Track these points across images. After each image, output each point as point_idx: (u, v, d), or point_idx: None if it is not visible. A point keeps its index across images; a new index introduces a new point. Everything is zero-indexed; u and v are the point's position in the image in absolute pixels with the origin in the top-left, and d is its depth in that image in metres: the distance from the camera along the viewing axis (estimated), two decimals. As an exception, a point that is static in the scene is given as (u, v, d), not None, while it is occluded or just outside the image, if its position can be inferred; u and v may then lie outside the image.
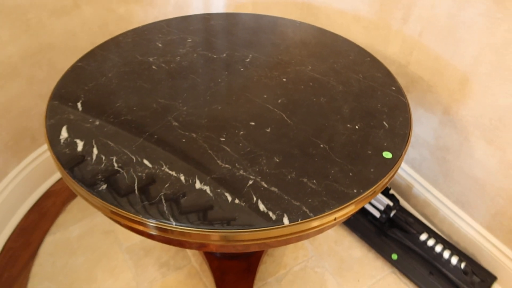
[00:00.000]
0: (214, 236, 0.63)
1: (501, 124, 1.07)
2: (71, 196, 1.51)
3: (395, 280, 1.29)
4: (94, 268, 1.28)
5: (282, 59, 1.01)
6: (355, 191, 0.68)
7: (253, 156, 0.74)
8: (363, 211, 1.40)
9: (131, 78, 0.92)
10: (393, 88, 0.93)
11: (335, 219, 0.67)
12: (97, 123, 0.80)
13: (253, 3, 1.50)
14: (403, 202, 1.49)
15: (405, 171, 1.46)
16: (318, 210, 0.65)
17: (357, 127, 0.81)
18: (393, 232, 1.34)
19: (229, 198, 0.66)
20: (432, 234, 1.32)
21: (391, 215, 1.35)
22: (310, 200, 0.66)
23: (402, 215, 1.37)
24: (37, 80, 1.32)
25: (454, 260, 1.24)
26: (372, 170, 0.72)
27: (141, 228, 0.65)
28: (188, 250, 1.35)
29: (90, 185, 0.68)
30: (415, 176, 1.43)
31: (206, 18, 1.18)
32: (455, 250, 1.28)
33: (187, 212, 0.64)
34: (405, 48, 1.25)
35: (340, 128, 0.81)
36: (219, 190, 0.68)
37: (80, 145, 0.75)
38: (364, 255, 1.35)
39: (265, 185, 0.69)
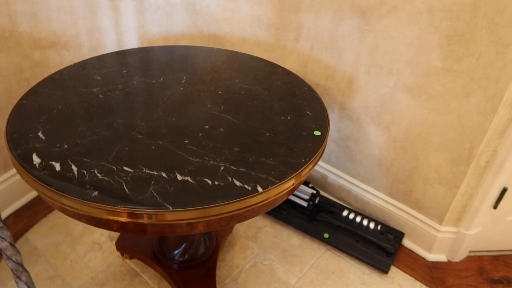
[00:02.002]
0: (205, 212, 0.75)
1: (383, 108, 1.39)
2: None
3: (331, 255, 1.50)
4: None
5: (212, 77, 1.19)
6: (303, 160, 0.88)
7: (217, 150, 0.89)
8: (293, 204, 1.61)
9: (82, 107, 1.00)
10: (306, 88, 1.17)
11: (293, 184, 0.85)
12: (66, 146, 0.87)
13: (164, 39, 1.66)
14: (322, 192, 1.75)
15: (319, 165, 1.72)
16: (281, 177, 0.82)
17: (289, 118, 1.02)
18: (321, 216, 1.57)
19: (209, 182, 0.80)
20: (351, 210, 1.59)
21: (316, 201, 1.59)
22: (272, 172, 0.84)
23: (325, 200, 1.62)
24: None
25: (372, 225, 1.51)
26: (310, 144, 0.93)
27: (139, 220, 0.74)
28: (143, 274, 1.39)
29: (82, 195, 0.75)
30: (327, 167, 1.70)
31: (130, 52, 1.31)
32: (371, 218, 1.56)
33: (179, 197, 0.76)
34: (301, 62, 1.54)
35: (277, 120, 1.01)
36: (199, 178, 0.81)
37: (57, 166, 0.81)
38: (302, 241, 1.55)
39: (234, 168, 0.84)
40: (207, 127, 0.96)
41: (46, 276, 1.36)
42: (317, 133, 0.97)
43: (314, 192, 1.59)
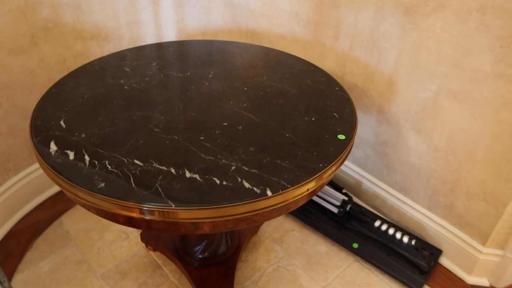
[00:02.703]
0: (209, 213, 0.72)
1: (424, 114, 1.28)
2: (37, 233, 1.49)
3: (359, 267, 1.42)
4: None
5: (240, 73, 1.15)
6: (321, 165, 0.82)
7: (231, 148, 0.85)
8: (322, 209, 1.55)
9: (107, 98, 1.01)
10: (337, 88, 1.10)
11: (308, 189, 0.80)
12: (83, 136, 0.87)
13: (202, 33, 1.66)
14: (355, 199, 1.66)
15: (353, 170, 1.64)
16: (294, 182, 0.77)
17: (313, 119, 0.96)
18: (351, 224, 1.49)
19: (217, 181, 0.77)
20: (384, 220, 1.49)
21: (348, 208, 1.51)
22: (286, 176, 0.79)
23: (357, 207, 1.53)
24: (-4, 118, 1.34)
25: (406, 239, 1.41)
26: (331, 149, 0.87)
27: (142, 216, 0.73)
28: (164, 268, 1.39)
29: (89, 185, 0.75)
30: (363, 173, 1.61)
31: (165, 45, 1.31)
32: (405, 231, 1.46)
33: (183, 195, 0.73)
34: (339, 61, 1.46)
35: (299, 121, 0.95)
36: (207, 176, 0.78)
37: (71, 154, 0.82)
38: (329, 249, 1.48)
39: (246, 168, 0.80)
40: (225, 124, 0.93)
41: (74, 260, 1.40)
42: (341, 137, 0.91)
43: (346, 198, 1.51)
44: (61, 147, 0.84)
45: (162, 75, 1.12)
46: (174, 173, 0.78)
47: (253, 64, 1.21)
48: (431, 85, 1.21)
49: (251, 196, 0.74)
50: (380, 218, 1.49)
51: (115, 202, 0.72)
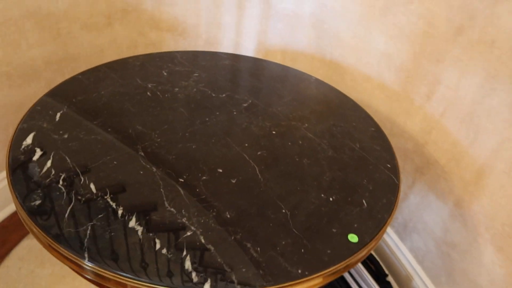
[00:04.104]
0: (116, 282, 0.56)
1: (515, 232, 0.93)
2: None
3: None
4: (57, 284, 1.23)
5: (280, 110, 0.96)
6: (299, 271, 0.59)
7: (204, 206, 0.68)
8: (351, 292, 1.26)
9: (121, 99, 0.91)
10: (389, 165, 0.84)
11: (271, 297, 0.58)
12: (66, 136, 0.78)
13: (282, 52, 1.49)
14: (399, 293, 1.34)
15: (407, 259, 1.31)
16: (248, 284, 0.57)
17: (331, 199, 0.73)
18: (377, 325, 1.19)
19: (158, 246, 0.60)
20: (421, 338, 1.15)
21: (380, 305, 1.21)
22: (244, 270, 0.58)
23: (392, 308, 1.22)
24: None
25: None
26: (328, 251, 0.63)
27: (54, 254, 0.60)
28: None
29: (25, 197, 0.64)
30: (417, 268, 1.28)
31: (223, 57, 1.17)
32: None
33: (105, 249, 0.58)
34: (425, 126, 1.16)
35: (312, 195, 0.73)
36: (151, 234, 0.61)
37: (37, 154, 0.73)
38: None
39: (203, 241, 0.62)
40: (220, 170, 0.75)
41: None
42: (353, 238, 0.66)
43: (382, 292, 1.21)
44: (35, 143, 0.75)
45: (194, 90, 0.99)
46: (119, 215, 0.64)
47: (304, 105, 1.00)
48: (533, 199, 0.86)
49: (179, 283, 0.55)
50: (417, 334, 1.16)
51: (33, 228, 0.60)
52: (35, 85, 1.31)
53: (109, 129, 0.81)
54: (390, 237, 1.37)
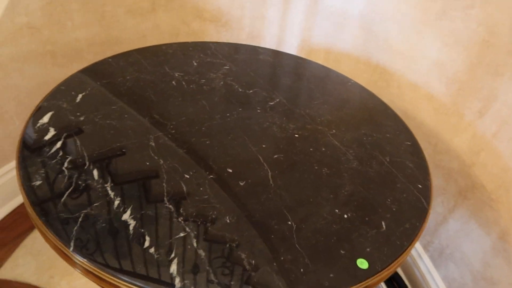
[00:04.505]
0: (98, 277, 0.53)
1: None
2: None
3: None
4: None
5: (309, 113, 0.89)
6: (294, 293, 0.53)
7: (205, 207, 0.63)
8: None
9: (144, 86, 0.89)
10: (420, 186, 0.75)
11: (256, 318, 0.53)
12: (82, 118, 0.77)
13: (325, 52, 1.41)
14: (426, 324, 1.22)
15: (437, 285, 1.19)
16: (235, 299, 0.52)
17: (346, 216, 0.66)
18: None
19: (146, 244, 0.56)
20: None
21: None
22: (232, 283, 0.53)
23: None
24: (96, 67, 1.38)
25: None
26: (331, 275, 0.56)
27: (44, 237, 0.58)
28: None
29: (29, 174, 0.64)
30: (449, 299, 1.16)
31: (259, 51, 1.12)
32: None
33: (92, 241, 0.56)
34: (474, 146, 1.04)
35: (325, 210, 0.66)
36: (142, 231, 0.58)
37: (50, 134, 0.72)
38: None
39: (195, 245, 0.57)
40: (230, 171, 0.71)
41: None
42: (363, 264, 0.59)
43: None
44: (51, 122, 0.75)
45: (221, 83, 0.95)
46: (115, 206, 0.61)
47: (336, 109, 0.93)
48: None
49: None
50: None
51: (30, 210, 0.59)
52: (77, 66, 1.34)
53: (126, 116, 0.80)
54: (423, 262, 1.25)
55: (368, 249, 0.61)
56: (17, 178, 0.63)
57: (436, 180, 1.20)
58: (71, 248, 0.54)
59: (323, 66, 1.11)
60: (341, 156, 0.78)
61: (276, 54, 1.12)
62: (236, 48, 1.11)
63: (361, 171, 0.76)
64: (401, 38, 1.21)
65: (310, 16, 1.36)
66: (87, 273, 0.54)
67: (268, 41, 1.46)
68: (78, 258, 0.54)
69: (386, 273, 0.59)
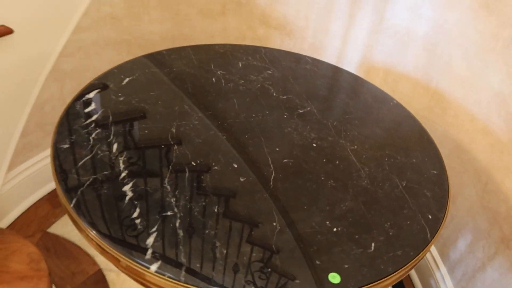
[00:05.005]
0: (88, 237, 0.60)
1: None
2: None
3: None
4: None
5: (335, 125, 0.89)
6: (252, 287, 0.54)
7: (199, 193, 0.67)
8: None
9: (185, 79, 0.96)
10: (430, 216, 0.70)
11: None
12: (121, 99, 0.86)
13: (385, 71, 1.36)
14: None
15: None
16: (195, 277, 0.54)
17: (335, 229, 0.65)
18: None
19: (135, 214, 0.62)
20: None
21: None
22: (197, 265, 0.56)
23: None
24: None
25: None
26: (297, 281, 0.56)
27: (56, 192, 0.67)
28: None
29: (62, 138, 0.73)
30: None
31: (307, 61, 1.14)
32: None
33: (90, 202, 0.63)
34: (524, 191, 0.94)
35: (315, 219, 0.66)
36: (135, 203, 0.64)
37: (91, 107, 0.83)
38: None
39: (177, 225, 0.61)
40: (235, 166, 0.74)
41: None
42: (335, 278, 0.58)
43: None
44: (95, 100, 0.85)
45: (258, 85, 0.98)
46: (121, 177, 0.68)
47: (366, 126, 0.90)
48: None
49: (135, 256, 0.56)
50: None
51: (55, 172, 0.69)
52: (148, 56, 1.47)
53: (159, 102, 0.87)
54: (454, 309, 1.15)
55: (346, 266, 0.59)
56: (51, 139, 0.73)
57: (481, 222, 1.09)
58: (72, 205, 0.62)
59: (365, 81, 1.08)
60: (353, 172, 0.77)
61: (322, 65, 1.13)
62: (285, 55, 1.14)
63: (369, 190, 0.73)
64: (464, 64, 1.13)
65: (373, 33, 1.33)
66: (81, 230, 0.61)
67: (329, 54, 1.46)
68: (75, 215, 0.61)
69: (359, 293, 0.57)
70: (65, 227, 1.35)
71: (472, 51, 1.10)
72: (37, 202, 1.41)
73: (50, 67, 1.23)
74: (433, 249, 1.31)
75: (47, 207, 1.40)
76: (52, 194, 1.45)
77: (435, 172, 0.81)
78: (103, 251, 0.58)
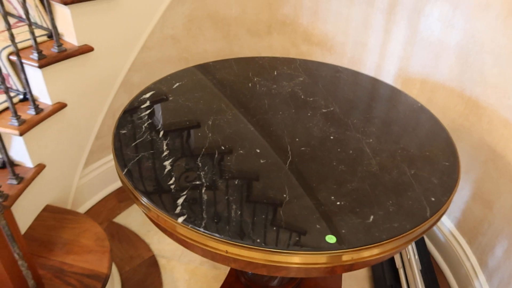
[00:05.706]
0: (132, 194, 0.75)
1: None
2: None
3: None
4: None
5: (355, 123, 0.98)
6: (258, 240, 0.66)
7: (223, 169, 0.80)
8: None
9: (225, 84, 1.12)
10: (433, 199, 0.76)
11: (226, 251, 0.67)
12: (171, 98, 1.04)
13: (421, 82, 1.41)
14: None
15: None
16: (201, 226, 0.67)
17: (338, 203, 0.74)
18: None
19: (170, 181, 0.76)
20: None
21: None
22: (215, 221, 0.69)
23: None
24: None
25: None
26: (297, 239, 0.66)
27: (114, 161, 0.84)
28: None
29: (122, 125, 0.91)
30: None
31: (339, 70, 1.24)
32: None
33: (136, 171, 0.79)
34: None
35: (321, 195, 0.75)
36: (172, 173, 0.79)
37: (146, 104, 1.01)
38: None
39: (203, 191, 0.75)
40: (258, 151, 0.86)
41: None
42: (331, 239, 0.67)
43: None
44: (150, 97, 1.03)
45: (289, 90, 1.11)
46: (164, 154, 0.83)
47: (384, 124, 0.98)
48: None
49: (163, 209, 0.71)
50: None
51: (115, 148, 0.86)
52: (203, 72, 1.67)
53: (201, 101, 1.03)
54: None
55: (343, 231, 0.68)
56: (114, 126, 0.92)
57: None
58: (124, 172, 0.78)
59: (391, 86, 1.16)
60: (365, 161, 0.85)
61: (353, 74, 1.22)
62: (318, 65, 1.26)
63: (377, 175, 0.81)
64: (496, 71, 1.16)
65: (408, 46, 1.40)
66: (129, 192, 0.77)
67: (368, 67, 1.54)
68: (126, 180, 0.77)
69: (350, 255, 0.65)
70: (127, 219, 1.55)
71: (503, 57, 1.13)
72: (107, 196, 1.64)
73: (121, 80, 1.46)
74: (471, 257, 1.30)
75: (114, 201, 1.62)
76: (119, 190, 1.67)
77: (447, 163, 0.86)
78: (146, 209, 0.73)
